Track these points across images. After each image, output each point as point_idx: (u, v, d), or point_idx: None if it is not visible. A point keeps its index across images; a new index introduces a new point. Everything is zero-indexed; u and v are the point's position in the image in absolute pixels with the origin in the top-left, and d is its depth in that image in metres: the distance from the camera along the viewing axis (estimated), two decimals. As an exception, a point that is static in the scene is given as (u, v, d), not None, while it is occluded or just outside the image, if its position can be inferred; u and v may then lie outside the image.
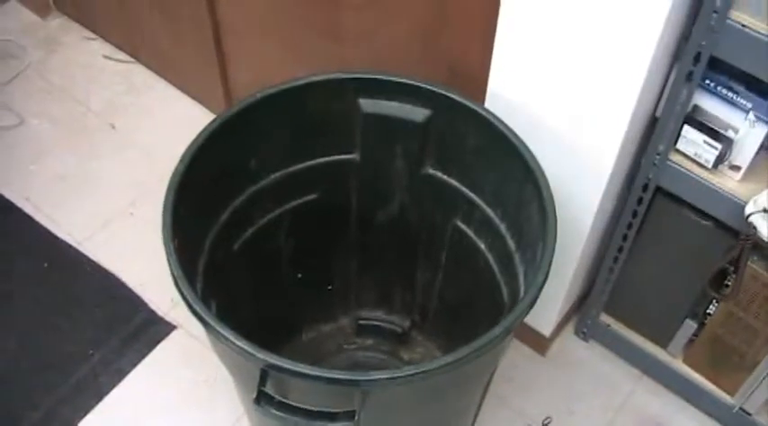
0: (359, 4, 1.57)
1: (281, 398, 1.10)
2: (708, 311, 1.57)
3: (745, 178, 1.32)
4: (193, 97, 2.23)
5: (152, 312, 1.85)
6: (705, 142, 1.30)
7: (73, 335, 1.80)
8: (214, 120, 1.30)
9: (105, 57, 2.33)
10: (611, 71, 1.23)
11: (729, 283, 1.43)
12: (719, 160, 1.31)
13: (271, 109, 1.35)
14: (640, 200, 1.46)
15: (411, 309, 1.72)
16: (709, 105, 1.28)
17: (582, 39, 1.23)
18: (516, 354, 1.79)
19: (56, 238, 1.96)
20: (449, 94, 1.34)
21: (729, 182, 1.33)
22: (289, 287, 1.61)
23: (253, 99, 1.33)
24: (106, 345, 1.79)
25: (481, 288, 1.45)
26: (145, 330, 1.82)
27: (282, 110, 1.37)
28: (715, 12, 1.13)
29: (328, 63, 1.67)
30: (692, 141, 1.31)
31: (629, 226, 1.52)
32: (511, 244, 1.36)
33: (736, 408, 1.62)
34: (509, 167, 1.31)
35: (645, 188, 1.43)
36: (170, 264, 1.15)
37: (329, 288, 1.70)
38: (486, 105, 1.40)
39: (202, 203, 1.31)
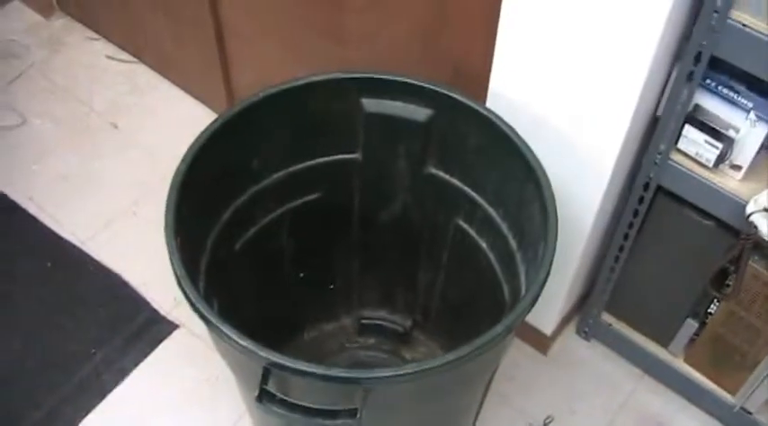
0: (361, 6, 1.57)
1: (283, 396, 1.10)
2: (709, 310, 1.58)
3: (746, 177, 1.32)
4: (196, 97, 2.24)
5: (155, 311, 1.85)
6: (706, 141, 1.30)
7: (76, 334, 1.81)
8: (216, 120, 1.31)
9: (108, 57, 2.34)
10: (612, 71, 1.23)
11: (730, 282, 1.43)
12: (720, 159, 1.31)
13: (273, 108, 1.35)
14: (641, 200, 1.46)
15: (413, 308, 1.72)
16: (711, 105, 1.28)
17: (583, 38, 1.23)
18: (518, 353, 1.80)
19: (59, 238, 1.96)
20: (451, 94, 1.34)
21: (730, 182, 1.33)
22: (291, 286, 1.62)
23: (255, 98, 1.33)
24: (109, 344, 1.79)
25: (483, 287, 1.45)
26: (147, 329, 1.82)
27: (284, 109, 1.37)
28: (716, 11, 1.13)
29: (330, 64, 1.67)
30: (693, 140, 1.32)
31: (631, 225, 1.52)
32: (512, 243, 1.36)
33: (738, 407, 1.62)
34: (511, 167, 1.31)
35: (646, 187, 1.43)
36: (172, 263, 1.15)
37: (331, 287, 1.70)
38: (488, 105, 1.40)
39: (204, 202, 1.32)
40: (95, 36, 2.38)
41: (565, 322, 1.82)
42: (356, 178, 1.49)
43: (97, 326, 1.82)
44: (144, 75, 2.30)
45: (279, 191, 1.46)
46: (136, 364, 1.77)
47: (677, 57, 1.26)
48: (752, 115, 1.24)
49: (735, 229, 1.35)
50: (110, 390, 1.74)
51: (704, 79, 1.25)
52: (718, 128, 1.28)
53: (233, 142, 1.33)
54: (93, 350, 1.78)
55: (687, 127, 1.31)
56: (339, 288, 1.71)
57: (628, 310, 1.73)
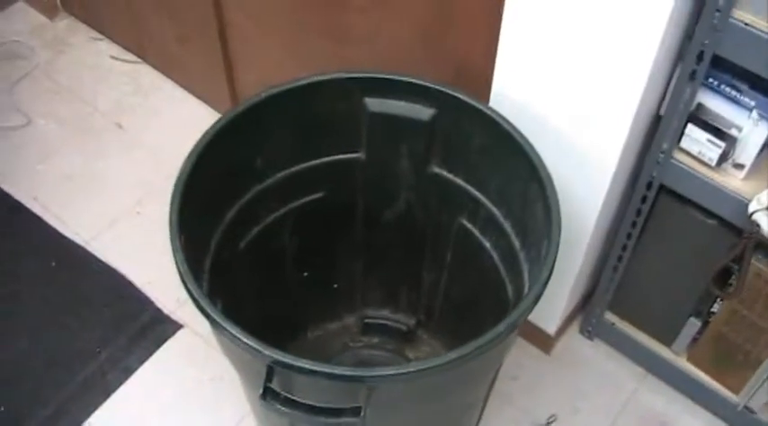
0: (364, 6, 1.58)
1: (287, 394, 1.10)
2: (712, 309, 1.58)
3: (748, 176, 1.32)
4: (200, 98, 2.24)
5: (159, 311, 1.86)
6: (709, 140, 1.30)
7: (81, 333, 1.81)
8: (220, 119, 1.31)
9: (112, 57, 2.35)
10: (614, 70, 1.24)
11: (733, 281, 1.44)
12: (723, 158, 1.31)
13: (276, 108, 1.36)
14: (644, 199, 1.46)
15: (417, 308, 1.73)
16: (713, 104, 1.28)
17: (585, 38, 1.23)
18: (521, 353, 1.80)
19: (63, 237, 1.97)
20: (454, 94, 1.35)
21: (733, 181, 1.33)
22: (294, 285, 1.62)
23: (258, 98, 1.34)
24: (113, 343, 1.80)
25: (486, 286, 1.45)
26: (152, 328, 1.83)
27: (288, 109, 1.38)
28: (718, 11, 1.14)
29: (333, 64, 1.68)
30: (695, 140, 1.32)
31: (634, 224, 1.52)
32: (516, 242, 1.37)
33: (741, 406, 1.63)
34: (514, 166, 1.31)
35: (649, 186, 1.44)
36: (177, 261, 1.15)
37: (335, 286, 1.71)
38: (491, 105, 1.41)
39: (208, 202, 1.32)
40: (99, 36, 2.39)
41: (568, 321, 1.82)
42: (359, 177, 1.50)
43: (102, 325, 1.83)
44: (148, 75, 2.31)
45: (282, 191, 1.46)
46: (140, 363, 1.78)
47: (680, 56, 1.27)
48: (754, 114, 1.24)
49: (737, 228, 1.36)
50: (114, 389, 1.74)
51: (707, 78, 1.25)
52: (720, 127, 1.29)
53: (237, 142, 1.33)
54: (98, 349, 1.79)
55: (690, 126, 1.31)
56: (342, 288, 1.71)
57: (631, 309, 1.73)
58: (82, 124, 2.20)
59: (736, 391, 1.64)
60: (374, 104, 1.40)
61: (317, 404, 1.11)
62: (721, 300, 1.54)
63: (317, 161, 1.46)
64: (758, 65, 1.16)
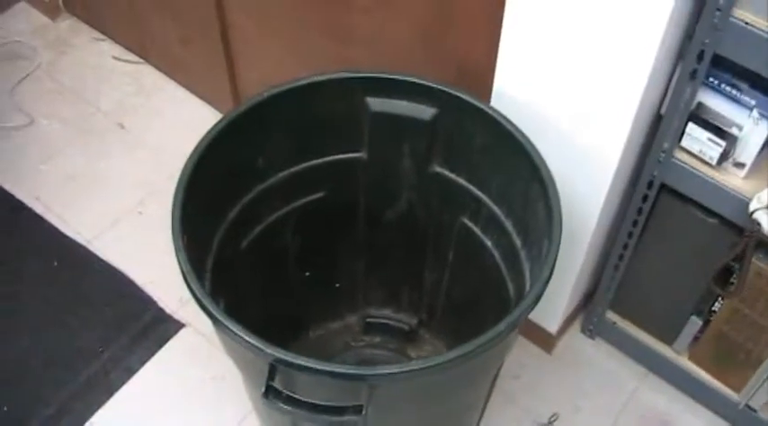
0: (366, 6, 1.58)
1: (289, 393, 1.10)
2: (713, 308, 1.58)
3: (749, 175, 1.33)
4: (202, 98, 2.25)
5: (161, 310, 1.86)
6: (709, 139, 1.31)
7: (83, 333, 1.82)
8: (222, 119, 1.31)
9: (115, 58, 2.35)
10: (615, 69, 1.24)
11: (734, 280, 1.44)
12: (724, 157, 1.32)
13: (278, 108, 1.36)
14: (645, 198, 1.47)
15: (418, 307, 1.73)
16: (714, 103, 1.29)
17: (586, 38, 1.24)
18: (523, 352, 1.80)
19: (65, 237, 1.97)
20: (456, 93, 1.35)
21: (734, 179, 1.34)
22: (296, 285, 1.62)
23: (260, 98, 1.34)
24: (116, 343, 1.80)
25: (488, 285, 1.46)
26: (154, 328, 1.83)
27: (290, 109, 1.38)
28: (718, 10, 1.14)
29: (335, 64, 1.68)
30: (696, 138, 1.32)
31: (635, 223, 1.53)
32: (517, 241, 1.37)
33: (742, 405, 1.63)
34: (515, 165, 1.31)
35: (650, 185, 1.44)
36: (179, 260, 1.16)
37: (337, 286, 1.71)
38: (493, 104, 1.41)
39: (211, 201, 1.32)
40: (102, 37, 2.39)
41: (569, 320, 1.82)
42: (361, 177, 1.50)
43: (104, 325, 1.83)
44: (150, 75, 2.32)
45: (284, 190, 1.46)
46: (142, 362, 1.78)
47: (680, 55, 1.27)
48: (755, 113, 1.24)
49: (738, 227, 1.36)
50: (117, 388, 1.74)
51: (707, 77, 1.26)
52: (721, 126, 1.29)
53: (239, 141, 1.34)
54: (101, 349, 1.79)
55: (690, 125, 1.32)
56: (344, 287, 1.71)
57: (632, 308, 1.73)
58: (84, 124, 2.20)
59: (737, 390, 1.64)
60: (376, 104, 1.40)
61: (319, 403, 1.11)
62: (722, 299, 1.54)
63: (319, 160, 1.47)
64: (758, 64, 1.16)
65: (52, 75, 2.30)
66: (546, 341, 1.80)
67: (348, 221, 1.57)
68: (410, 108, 1.39)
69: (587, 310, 1.81)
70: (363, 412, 1.09)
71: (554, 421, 1.72)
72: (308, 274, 1.62)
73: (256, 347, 1.08)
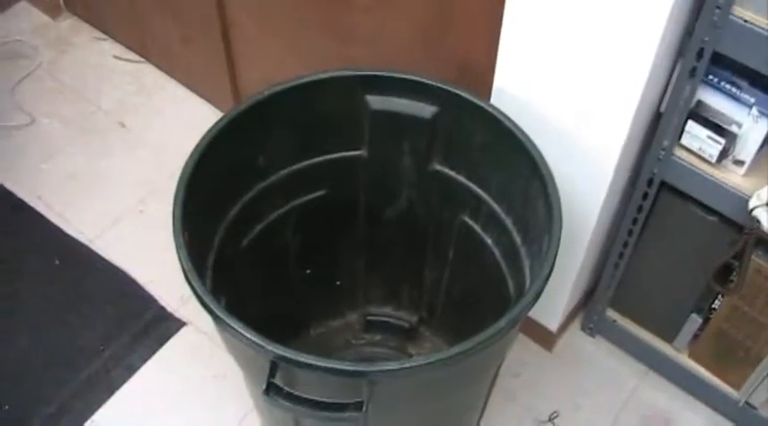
0: (367, 5, 1.58)
1: (290, 390, 1.11)
2: (713, 306, 1.58)
3: (748, 172, 1.33)
4: (203, 97, 2.25)
5: (162, 308, 1.86)
6: (709, 137, 1.31)
7: (84, 331, 1.82)
8: (223, 117, 1.32)
9: (116, 57, 2.35)
10: (615, 67, 1.24)
11: (734, 278, 1.44)
12: (723, 155, 1.32)
13: (279, 106, 1.37)
14: (645, 195, 1.47)
15: (419, 305, 1.73)
16: (713, 100, 1.29)
17: (586, 36, 1.24)
18: (523, 350, 1.81)
19: (66, 236, 1.98)
20: (456, 91, 1.35)
21: (733, 177, 1.34)
22: (297, 283, 1.63)
23: (260, 96, 1.34)
24: (117, 341, 1.81)
25: (488, 282, 1.46)
26: (155, 326, 1.84)
27: (290, 107, 1.38)
28: (718, 8, 1.14)
29: (336, 62, 1.68)
30: (696, 136, 1.33)
31: (635, 221, 1.53)
32: (517, 238, 1.37)
33: (742, 402, 1.63)
34: (515, 163, 1.32)
35: (650, 183, 1.44)
36: (180, 258, 1.16)
37: (337, 284, 1.71)
38: (493, 102, 1.41)
39: (211, 199, 1.33)
40: (103, 36, 2.39)
41: (570, 318, 1.83)
42: (362, 175, 1.50)
43: (105, 323, 1.84)
44: (151, 74, 2.32)
45: (285, 188, 1.47)
46: (144, 361, 1.79)
47: (680, 53, 1.27)
48: (754, 110, 1.25)
49: (738, 224, 1.36)
50: (118, 386, 1.75)
51: (707, 75, 1.26)
52: (720, 124, 1.29)
53: (239, 140, 1.34)
54: (102, 347, 1.79)
55: (690, 122, 1.32)
56: (345, 285, 1.72)
57: (632, 306, 1.74)
58: (85, 123, 2.21)
59: (737, 387, 1.64)
60: (376, 102, 1.40)
61: (320, 400, 1.11)
62: (722, 296, 1.55)
63: (320, 158, 1.47)
64: (758, 61, 1.16)
65: (53, 74, 2.31)
66: (546, 338, 1.80)
67: (348, 219, 1.57)
68: (410, 106, 1.39)
69: (587, 308, 1.81)
70: (364, 409, 1.09)
71: (554, 418, 1.72)
72: (308, 272, 1.63)
73: (257, 344, 1.08)
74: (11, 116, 2.20)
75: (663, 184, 1.44)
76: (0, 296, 1.88)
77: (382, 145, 1.45)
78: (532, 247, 1.31)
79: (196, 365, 1.78)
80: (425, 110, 1.39)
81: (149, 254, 1.91)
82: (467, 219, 1.47)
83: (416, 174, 1.48)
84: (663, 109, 1.35)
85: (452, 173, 1.45)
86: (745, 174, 1.33)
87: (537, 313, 1.74)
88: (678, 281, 1.59)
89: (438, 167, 1.46)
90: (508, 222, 1.39)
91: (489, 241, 1.44)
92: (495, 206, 1.41)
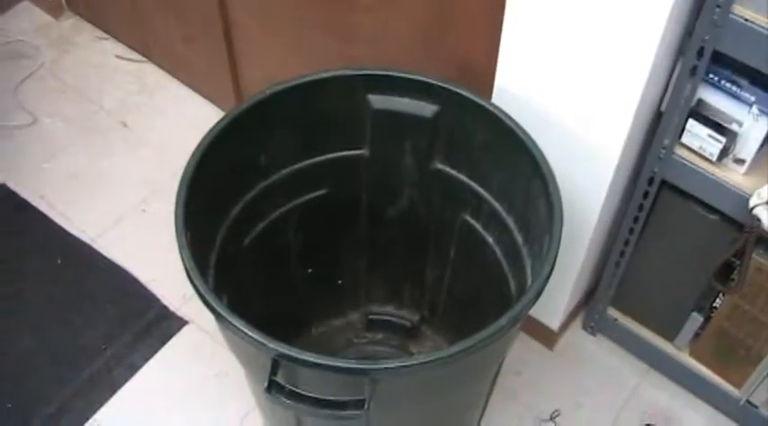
0: (369, 5, 1.58)
1: (291, 387, 1.11)
2: (714, 304, 1.58)
3: (749, 171, 1.33)
4: (205, 96, 2.25)
5: (164, 307, 1.87)
6: (709, 136, 1.31)
7: (86, 330, 1.83)
8: (225, 117, 1.32)
9: (118, 56, 2.36)
10: (615, 66, 1.24)
11: (735, 276, 1.44)
12: (724, 153, 1.32)
13: (280, 105, 1.37)
14: (646, 194, 1.47)
15: (420, 304, 1.74)
16: (714, 99, 1.29)
17: (586, 35, 1.24)
18: (525, 348, 1.81)
19: (69, 235, 1.98)
20: (457, 90, 1.36)
21: (734, 175, 1.34)
22: (298, 282, 1.63)
23: (262, 95, 1.35)
24: (119, 340, 1.81)
25: (489, 281, 1.46)
26: (157, 325, 1.84)
27: (292, 106, 1.38)
28: (718, 6, 1.15)
29: (337, 62, 1.68)
30: (696, 135, 1.33)
31: (636, 219, 1.53)
32: (518, 237, 1.37)
33: (743, 401, 1.63)
34: (516, 162, 1.32)
35: (650, 181, 1.44)
36: (182, 257, 1.16)
37: (339, 283, 1.71)
38: (494, 101, 1.42)
39: (213, 198, 1.33)
40: (105, 36, 2.40)
41: (571, 317, 1.83)
42: (363, 174, 1.50)
43: (107, 322, 1.84)
44: (153, 74, 2.32)
45: (287, 187, 1.47)
46: (146, 359, 1.79)
47: (680, 52, 1.28)
48: (754, 109, 1.25)
49: (739, 222, 1.37)
50: (120, 385, 1.75)
51: (707, 74, 1.26)
52: (721, 123, 1.29)
53: (241, 139, 1.34)
54: (104, 346, 1.80)
55: (691, 121, 1.32)
56: (346, 284, 1.72)
57: (633, 305, 1.74)
58: (87, 123, 2.21)
59: (738, 386, 1.64)
60: (378, 101, 1.41)
61: (322, 397, 1.12)
62: (723, 295, 1.55)
63: (321, 157, 1.47)
64: (758, 60, 1.16)
65: (55, 73, 2.31)
66: (547, 337, 1.80)
67: (350, 218, 1.58)
68: (411, 105, 1.40)
69: (589, 307, 1.81)
70: (365, 407, 1.09)
71: (556, 417, 1.73)
72: (310, 271, 1.63)
73: (259, 342, 1.08)
74: (13, 116, 2.21)
75: (663, 183, 1.44)
76: (2, 295, 1.88)
77: (384, 144, 1.46)
78: (533, 246, 1.31)
79: (198, 364, 1.78)
80: (427, 109, 1.39)
81: (151, 253, 1.92)
82: (468, 218, 1.48)
83: (418, 173, 1.49)
84: (663, 108, 1.35)
85: (454, 172, 1.46)
86: (746, 173, 1.33)
87: (538, 311, 1.75)
88: (679, 280, 1.59)
89: (439, 166, 1.46)
90: (509, 221, 1.39)
91: (490, 240, 1.45)
92: (497, 205, 1.41)
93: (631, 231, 1.56)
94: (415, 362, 1.08)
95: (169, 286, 1.88)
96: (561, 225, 1.21)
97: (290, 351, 1.07)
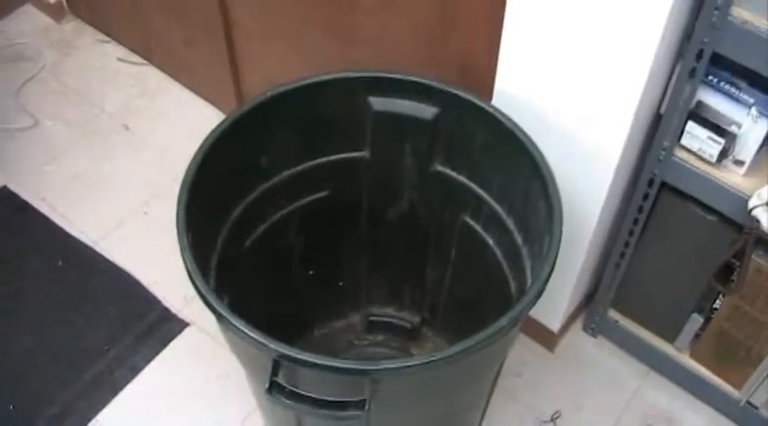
0: (370, 7, 1.59)
1: (292, 388, 1.12)
2: (714, 305, 1.59)
3: (748, 172, 1.34)
4: (206, 99, 2.26)
5: (165, 309, 1.87)
6: (709, 137, 1.32)
7: (88, 332, 1.83)
8: (226, 119, 1.32)
9: (119, 59, 2.36)
10: (615, 69, 1.25)
11: (735, 277, 1.45)
12: (723, 155, 1.32)
13: (282, 107, 1.37)
14: (646, 196, 1.48)
15: (421, 305, 1.74)
16: (713, 101, 1.30)
17: (586, 37, 1.24)
18: (525, 350, 1.81)
19: (70, 237, 1.99)
20: (457, 92, 1.36)
21: (733, 177, 1.34)
22: (300, 284, 1.63)
23: (263, 98, 1.35)
24: (121, 342, 1.81)
25: (490, 283, 1.47)
26: (158, 327, 1.85)
27: (293, 108, 1.39)
28: (717, 9, 1.15)
29: (338, 64, 1.69)
30: (696, 137, 1.33)
31: (635, 221, 1.54)
32: (518, 238, 1.38)
33: (743, 402, 1.63)
34: (516, 164, 1.32)
35: (650, 183, 1.45)
36: (184, 258, 1.17)
37: (340, 284, 1.72)
38: (494, 103, 1.42)
39: (215, 200, 1.33)
40: (106, 39, 2.40)
41: (572, 319, 1.83)
42: (364, 176, 1.51)
43: (109, 324, 1.84)
44: (154, 77, 2.33)
45: (288, 189, 1.47)
46: (147, 361, 1.79)
47: (679, 54, 1.28)
48: (753, 111, 1.25)
49: (738, 224, 1.37)
50: (122, 387, 1.76)
51: (706, 76, 1.27)
52: (720, 124, 1.30)
53: (242, 141, 1.35)
54: (106, 348, 1.80)
55: (690, 123, 1.33)
56: (347, 286, 1.72)
57: (634, 306, 1.74)
58: (89, 126, 2.22)
59: (738, 387, 1.64)
60: (378, 103, 1.41)
61: (323, 398, 1.12)
62: (723, 296, 1.55)
63: (322, 160, 1.48)
64: (757, 62, 1.17)
65: (57, 76, 2.32)
66: (548, 339, 1.80)
67: (351, 220, 1.58)
68: (412, 107, 1.40)
69: (589, 308, 1.81)
70: (366, 408, 1.10)
71: (556, 418, 1.73)
72: (311, 273, 1.63)
73: (260, 342, 1.09)
74: (15, 118, 2.21)
75: (663, 184, 1.44)
76: (4, 296, 1.89)
77: (384, 146, 1.46)
78: (534, 247, 1.31)
79: (199, 365, 1.79)
80: (427, 111, 1.40)
81: (153, 256, 1.92)
82: (468, 220, 1.48)
83: (418, 175, 1.49)
84: (663, 109, 1.36)
85: (454, 174, 1.46)
86: (745, 174, 1.34)
87: (538, 313, 1.75)
88: (679, 281, 1.60)
89: (439, 168, 1.47)
90: (509, 222, 1.39)
91: (491, 241, 1.45)
92: (497, 206, 1.42)
93: (631, 232, 1.56)
94: (415, 363, 1.08)
95: (171, 288, 1.89)
96: (561, 226, 1.21)
97: (291, 352, 1.07)
